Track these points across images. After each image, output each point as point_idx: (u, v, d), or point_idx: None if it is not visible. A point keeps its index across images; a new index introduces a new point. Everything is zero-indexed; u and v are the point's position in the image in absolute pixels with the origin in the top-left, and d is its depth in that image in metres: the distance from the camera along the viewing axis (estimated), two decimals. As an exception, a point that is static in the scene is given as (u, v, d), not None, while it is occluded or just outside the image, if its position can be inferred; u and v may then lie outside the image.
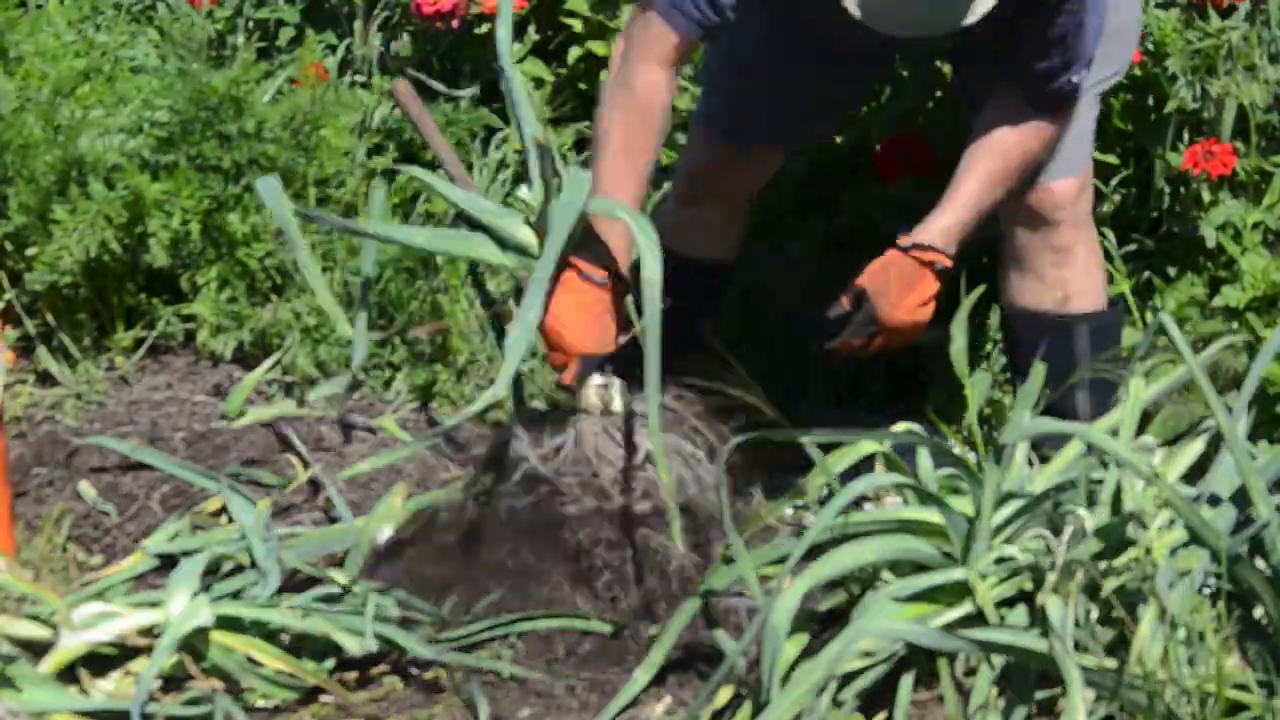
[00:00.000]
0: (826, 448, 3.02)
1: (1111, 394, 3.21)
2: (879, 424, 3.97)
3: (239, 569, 2.99)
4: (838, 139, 4.09)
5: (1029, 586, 2.76)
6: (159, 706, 2.71)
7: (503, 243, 3.23)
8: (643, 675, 2.80)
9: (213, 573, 2.96)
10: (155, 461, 3.35)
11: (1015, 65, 3.15)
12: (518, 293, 4.33)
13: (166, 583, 2.87)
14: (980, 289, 3.12)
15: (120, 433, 3.48)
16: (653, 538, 3.01)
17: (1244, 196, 3.94)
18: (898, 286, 3.16)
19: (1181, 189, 3.99)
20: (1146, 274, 4.02)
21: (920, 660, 2.71)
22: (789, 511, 3.25)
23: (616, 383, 3.14)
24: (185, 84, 3.86)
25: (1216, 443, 2.86)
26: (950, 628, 2.70)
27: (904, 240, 3.18)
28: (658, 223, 3.13)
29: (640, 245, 3.02)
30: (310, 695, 2.83)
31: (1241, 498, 2.76)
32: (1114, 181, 3.98)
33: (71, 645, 2.73)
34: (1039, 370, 3.05)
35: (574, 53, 4.42)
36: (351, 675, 2.88)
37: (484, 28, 4.51)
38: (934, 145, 3.91)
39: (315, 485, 3.33)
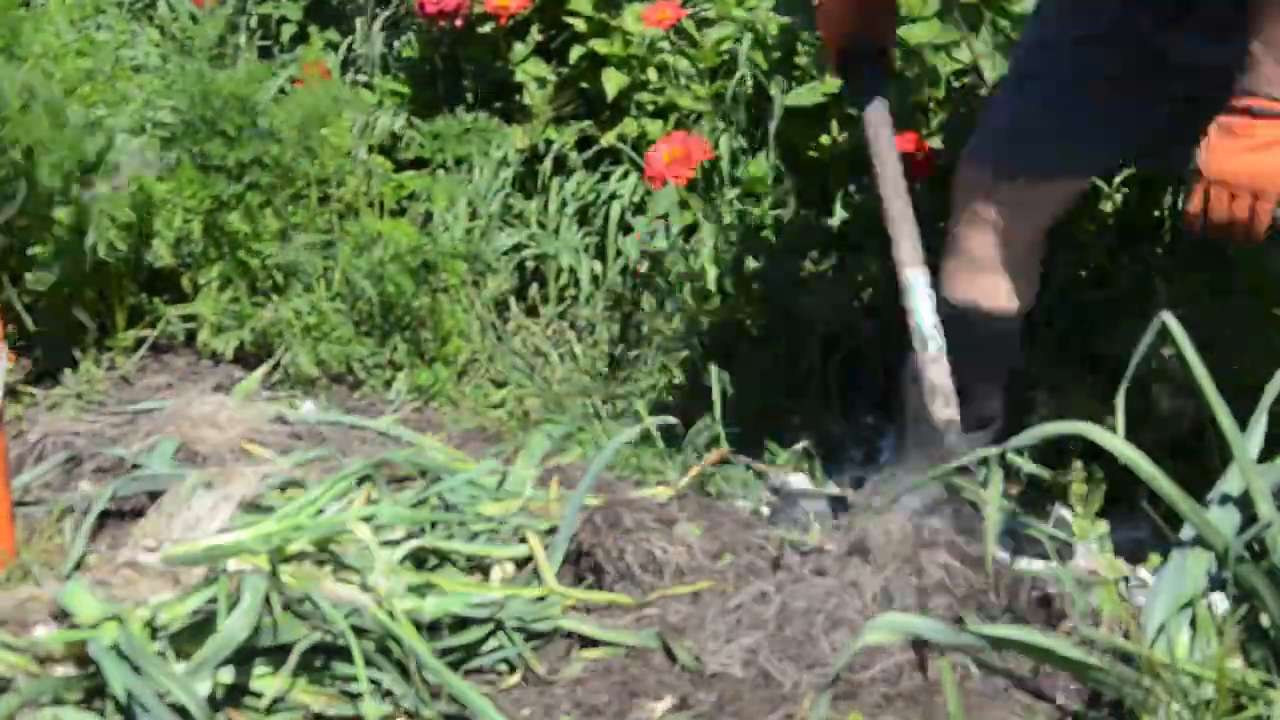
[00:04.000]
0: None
1: None
2: (876, 425, 4.00)
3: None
4: (839, 139, 4.09)
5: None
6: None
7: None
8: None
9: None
10: (157, 463, 3.35)
11: None
12: (518, 293, 4.35)
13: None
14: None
15: (120, 432, 3.47)
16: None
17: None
18: (1215, 138, 2.91)
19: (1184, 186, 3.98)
20: (1150, 273, 4.02)
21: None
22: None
23: None
24: (188, 83, 3.86)
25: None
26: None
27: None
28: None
29: None
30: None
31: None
32: (1116, 181, 3.98)
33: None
34: None
35: (576, 52, 4.42)
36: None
37: (487, 27, 4.51)
38: (934, 145, 3.92)
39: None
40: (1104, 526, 2.78)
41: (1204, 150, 2.91)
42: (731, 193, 4.15)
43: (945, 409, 3.05)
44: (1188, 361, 2.78)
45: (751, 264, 4.08)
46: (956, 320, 3.28)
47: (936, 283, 3.27)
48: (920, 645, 2.89)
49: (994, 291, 3.30)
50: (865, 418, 4.01)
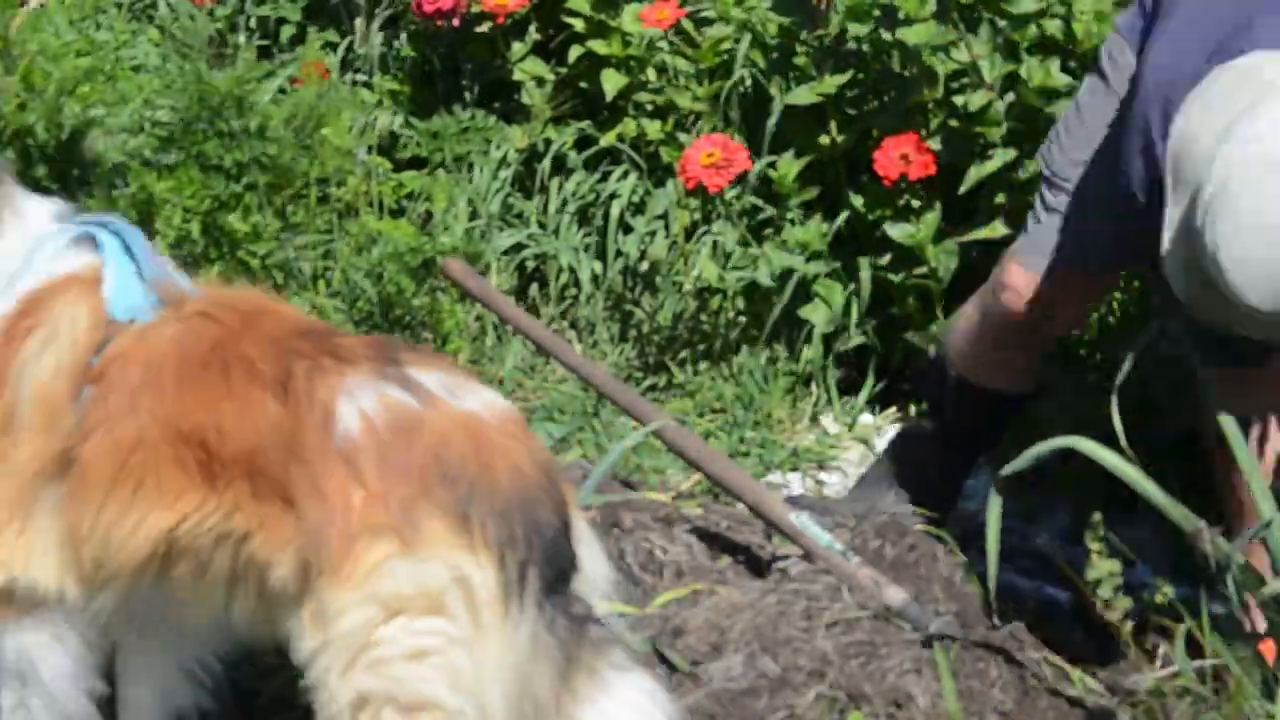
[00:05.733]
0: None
1: None
2: (876, 425, 4.01)
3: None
4: (839, 139, 4.09)
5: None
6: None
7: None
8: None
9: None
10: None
11: None
12: (518, 293, 4.35)
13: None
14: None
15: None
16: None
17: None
18: None
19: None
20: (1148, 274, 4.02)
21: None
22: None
23: None
24: (187, 83, 3.86)
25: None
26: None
27: None
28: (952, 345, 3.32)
29: None
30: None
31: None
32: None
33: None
34: None
35: (575, 51, 4.41)
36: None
37: (484, 26, 4.51)
38: (934, 145, 3.92)
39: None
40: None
41: None
42: (732, 192, 4.14)
43: (892, 590, 3.08)
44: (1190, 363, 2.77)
45: (753, 264, 4.08)
46: (959, 392, 3.38)
47: (945, 356, 3.45)
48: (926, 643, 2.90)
49: (998, 375, 3.39)
50: (865, 417, 4.02)
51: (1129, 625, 2.85)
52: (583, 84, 4.48)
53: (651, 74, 4.38)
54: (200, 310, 2.46)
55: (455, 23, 4.48)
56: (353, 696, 2.25)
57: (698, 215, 4.25)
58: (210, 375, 2.38)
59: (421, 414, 2.29)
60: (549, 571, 2.27)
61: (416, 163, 4.49)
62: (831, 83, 4.05)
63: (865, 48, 4.08)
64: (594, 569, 2.39)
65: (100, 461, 2.37)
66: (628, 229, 4.32)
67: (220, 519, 2.32)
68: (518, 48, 4.53)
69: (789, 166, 4.10)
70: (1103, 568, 2.78)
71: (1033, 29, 3.91)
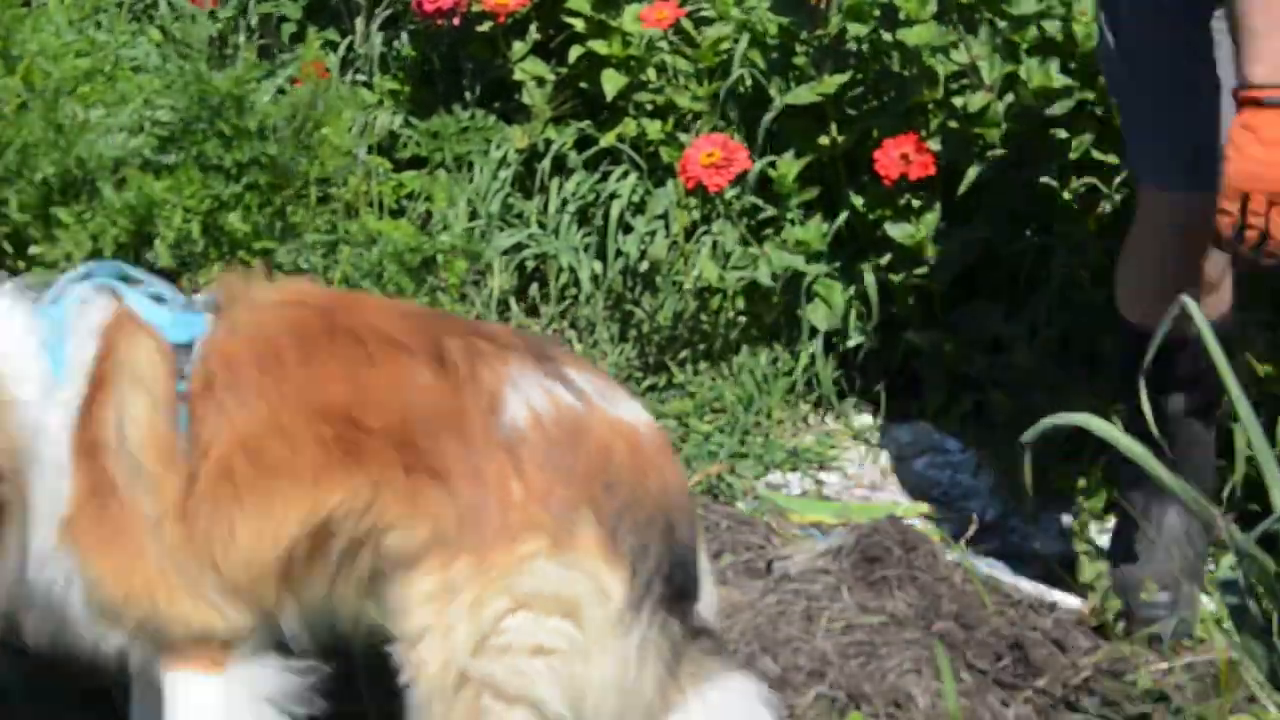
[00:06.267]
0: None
1: None
2: (876, 425, 4.01)
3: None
4: (839, 139, 4.09)
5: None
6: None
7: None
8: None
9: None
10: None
11: None
12: (518, 293, 4.35)
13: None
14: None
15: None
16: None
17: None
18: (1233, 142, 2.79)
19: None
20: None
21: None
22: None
23: None
24: (187, 83, 3.86)
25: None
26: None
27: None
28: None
29: None
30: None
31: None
32: (1116, 181, 3.98)
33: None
34: None
35: (575, 51, 4.42)
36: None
37: (485, 26, 4.51)
38: (934, 145, 3.93)
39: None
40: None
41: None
42: (732, 192, 4.14)
43: None
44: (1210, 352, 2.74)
45: (753, 264, 4.08)
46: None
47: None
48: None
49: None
50: (865, 417, 4.02)
51: (1127, 625, 2.87)
52: (583, 84, 4.49)
53: (651, 74, 4.39)
54: (277, 301, 2.41)
55: (455, 22, 4.49)
56: (457, 675, 2.27)
57: (698, 215, 4.25)
58: (340, 345, 2.34)
59: (585, 417, 2.32)
60: (671, 587, 2.30)
61: (416, 162, 4.49)
62: (831, 83, 4.06)
63: (865, 48, 4.09)
64: (707, 600, 2.42)
65: (229, 464, 2.31)
66: (628, 229, 4.33)
67: (369, 495, 2.29)
68: (518, 47, 4.53)
69: (789, 166, 4.10)
70: (1091, 570, 2.78)
71: (1033, 30, 3.91)
